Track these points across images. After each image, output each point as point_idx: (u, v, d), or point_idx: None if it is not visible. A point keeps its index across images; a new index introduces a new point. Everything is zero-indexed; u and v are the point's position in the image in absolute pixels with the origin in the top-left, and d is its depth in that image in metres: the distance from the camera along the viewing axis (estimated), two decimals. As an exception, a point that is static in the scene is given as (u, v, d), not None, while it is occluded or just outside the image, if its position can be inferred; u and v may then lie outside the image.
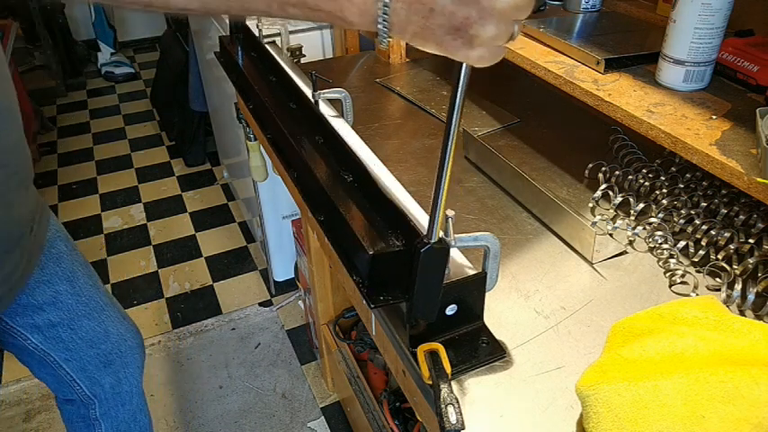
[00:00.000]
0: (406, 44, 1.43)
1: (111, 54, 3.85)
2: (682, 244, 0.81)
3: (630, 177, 0.93)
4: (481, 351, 0.67)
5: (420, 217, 0.76)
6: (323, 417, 1.67)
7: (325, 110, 1.04)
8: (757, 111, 0.72)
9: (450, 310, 0.65)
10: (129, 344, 1.12)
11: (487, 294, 0.67)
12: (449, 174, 0.53)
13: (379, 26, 0.44)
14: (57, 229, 1.00)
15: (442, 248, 0.57)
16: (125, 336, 1.11)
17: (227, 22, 1.58)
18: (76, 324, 1.02)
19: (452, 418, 0.56)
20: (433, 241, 0.56)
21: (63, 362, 1.03)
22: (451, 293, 0.64)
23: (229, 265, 2.25)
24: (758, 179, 0.66)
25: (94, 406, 1.12)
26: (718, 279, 0.77)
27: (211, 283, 2.16)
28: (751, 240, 0.79)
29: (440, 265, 0.58)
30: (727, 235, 0.81)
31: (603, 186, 0.92)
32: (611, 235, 0.85)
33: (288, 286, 2.09)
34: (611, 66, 0.90)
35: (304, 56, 1.33)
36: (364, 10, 0.44)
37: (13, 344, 1.00)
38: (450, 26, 0.43)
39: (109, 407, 1.14)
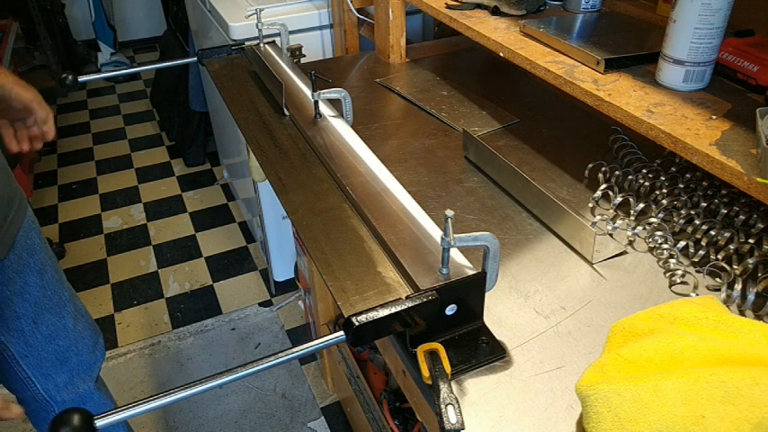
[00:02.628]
0: (406, 44, 1.43)
1: (111, 54, 3.85)
2: (682, 244, 0.81)
3: (630, 177, 0.93)
4: (481, 351, 0.67)
5: (419, 217, 0.76)
6: (323, 417, 1.67)
7: (325, 110, 1.04)
8: (757, 111, 0.72)
9: (450, 310, 0.65)
10: (86, 342, 1.12)
11: (487, 294, 0.67)
12: None
13: None
14: (33, 221, 1.00)
15: (360, 325, 0.60)
16: (83, 333, 1.11)
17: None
18: (39, 318, 1.01)
19: (452, 418, 0.56)
20: (357, 323, 0.59)
21: (20, 357, 1.02)
22: (451, 293, 0.64)
23: (229, 265, 2.25)
24: (758, 179, 0.66)
25: (53, 408, 1.12)
26: (718, 279, 0.77)
27: (211, 283, 2.16)
28: (751, 240, 0.79)
29: (378, 323, 0.60)
30: (727, 235, 0.81)
31: (603, 186, 0.92)
32: (611, 235, 0.85)
33: (288, 286, 2.09)
34: (611, 66, 0.91)
35: (304, 56, 1.33)
36: None
37: None
38: None
39: (69, 408, 1.14)
